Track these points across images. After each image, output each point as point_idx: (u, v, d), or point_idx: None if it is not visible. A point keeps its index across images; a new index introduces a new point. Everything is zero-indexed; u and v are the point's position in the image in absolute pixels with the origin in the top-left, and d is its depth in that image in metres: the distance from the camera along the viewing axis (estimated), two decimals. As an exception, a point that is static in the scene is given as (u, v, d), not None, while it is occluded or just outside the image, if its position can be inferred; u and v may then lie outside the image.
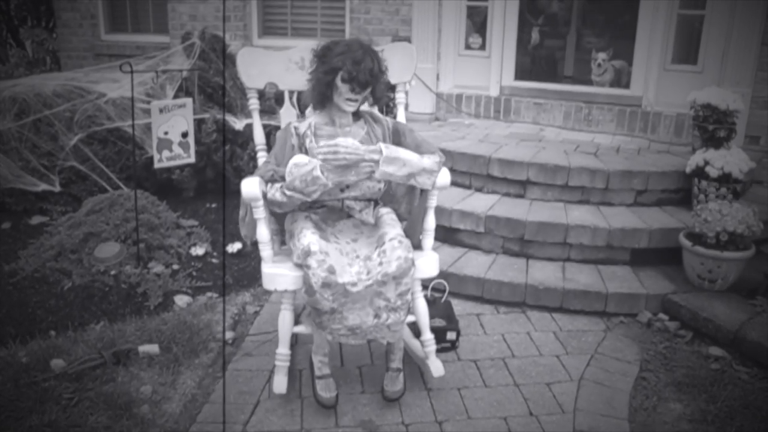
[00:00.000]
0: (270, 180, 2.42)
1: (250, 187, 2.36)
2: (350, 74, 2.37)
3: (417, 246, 2.58)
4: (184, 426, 2.37)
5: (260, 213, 2.42)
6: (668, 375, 2.74)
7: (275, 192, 2.39)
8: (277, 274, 2.43)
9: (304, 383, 2.63)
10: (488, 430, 2.38)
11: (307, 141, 2.48)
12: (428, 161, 2.41)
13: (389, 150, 2.32)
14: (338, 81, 2.41)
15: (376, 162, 2.30)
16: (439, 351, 2.71)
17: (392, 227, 2.44)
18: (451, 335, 2.88)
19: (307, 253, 2.28)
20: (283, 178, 2.39)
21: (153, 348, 2.77)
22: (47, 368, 2.60)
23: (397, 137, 2.57)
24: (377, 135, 2.54)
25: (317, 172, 2.29)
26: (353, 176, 2.35)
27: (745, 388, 2.64)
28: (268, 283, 2.45)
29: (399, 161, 2.32)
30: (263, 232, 2.45)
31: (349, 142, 2.29)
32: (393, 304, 2.32)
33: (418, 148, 2.49)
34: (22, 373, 2.55)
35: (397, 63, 2.72)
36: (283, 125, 2.79)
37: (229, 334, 2.97)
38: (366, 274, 2.31)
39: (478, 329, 3.10)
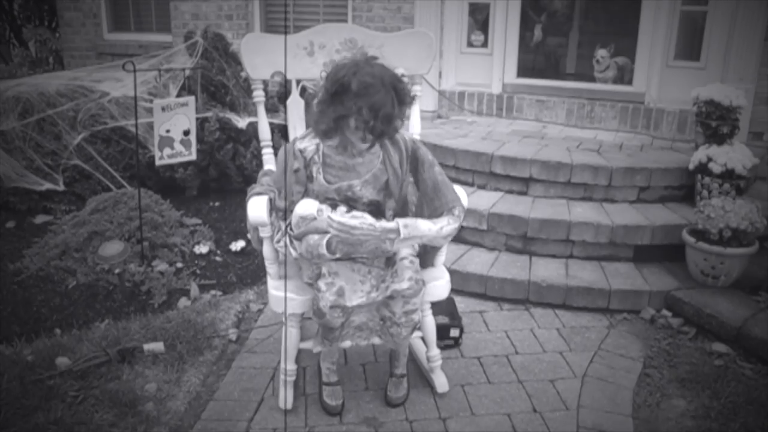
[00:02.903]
0: (271, 206, 2.27)
1: (258, 211, 2.22)
2: (366, 124, 2.13)
3: (430, 263, 2.51)
4: (188, 423, 2.38)
5: (266, 233, 2.31)
6: (672, 371, 2.75)
7: (282, 243, 2.25)
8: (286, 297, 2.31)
9: (308, 381, 2.64)
10: (492, 427, 2.38)
11: (314, 169, 2.28)
12: (448, 229, 2.21)
13: (407, 230, 2.15)
14: (351, 122, 2.16)
15: (392, 240, 2.15)
16: (442, 348, 2.71)
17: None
18: (454, 332, 2.88)
19: (317, 276, 2.21)
20: (282, 212, 2.24)
21: (158, 346, 2.78)
22: (52, 366, 2.61)
23: (414, 165, 2.35)
24: (393, 164, 2.31)
25: (323, 251, 2.14)
26: (363, 250, 2.18)
27: (749, 384, 2.64)
28: (275, 305, 2.34)
29: (416, 239, 2.19)
30: (269, 251, 2.37)
31: (366, 224, 2.13)
32: (397, 320, 2.25)
33: (437, 191, 2.30)
34: (27, 371, 2.56)
35: (413, 53, 2.53)
36: (289, 119, 2.70)
37: (233, 332, 2.98)
38: (375, 291, 2.23)
39: (481, 326, 3.11)
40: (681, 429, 2.39)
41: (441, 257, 2.53)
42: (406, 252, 2.29)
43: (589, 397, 2.55)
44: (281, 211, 2.25)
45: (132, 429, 2.32)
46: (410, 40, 2.60)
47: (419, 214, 2.35)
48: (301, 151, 2.28)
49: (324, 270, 2.20)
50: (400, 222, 2.17)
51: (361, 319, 2.28)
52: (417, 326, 2.37)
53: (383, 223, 2.16)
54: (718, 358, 2.82)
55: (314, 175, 2.27)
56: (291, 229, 2.21)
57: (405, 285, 2.19)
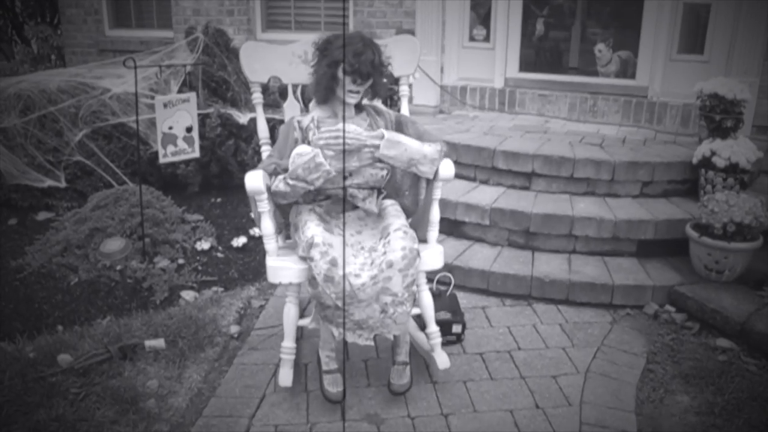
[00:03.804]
0: (273, 173, 2.43)
1: (254, 180, 2.36)
2: (352, 66, 2.38)
3: (422, 239, 2.57)
4: (190, 420, 2.38)
5: (264, 206, 2.42)
6: (675, 367, 2.73)
7: (278, 183, 2.40)
8: (282, 267, 2.43)
9: (309, 377, 2.64)
10: (494, 423, 2.38)
11: (310, 134, 2.49)
12: (429, 148, 2.42)
13: (390, 134, 2.36)
14: (339, 73, 2.42)
15: (378, 147, 2.34)
16: (444, 344, 2.71)
17: (397, 218, 2.45)
18: (456, 328, 2.88)
19: (311, 245, 2.28)
20: (285, 171, 2.39)
21: (159, 342, 2.78)
22: (54, 363, 2.61)
23: (399, 128, 2.57)
24: (380, 127, 2.53)
25: (320, 159, 2.31)
26: (355, 161, 2.38)
27: (753, 379, 2.62)
28: (272, 276, 2.45)
29: (400, 146, 2.36)
30: (267, 226, 2.46)
31: (351, 128, 2.32)
32: (400, 298, 2.30)
33: (421, 138, 2.50)
34: (29, 368, 2.57)
35: (400, 56, 2.72)
36: (287, 120, 2.80)
37: (234, 329, 2.97)
38: (370, 264, 2.30)
39: (483, 322, 3.10)
40: (684, 425, 2.38)
41: (433, 233, 2.60)
42: (399, 223, 2.40)
43: (591, 393, 2.54)
44: (281, 171, 2.42)
45: (133, 426, 2.32)
46: (398, 44, 2.78)
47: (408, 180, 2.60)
48: (298, 122, 2.55)
49: (318, 240, 2.28)
50: (383, 129, 2.41)
51: (361, 315, 2.29)
52: (415, 300, 2.43)
53: (368, 132, 2.38)
54: (722, 354, 2.81)
55: (310, 138, 2.47)
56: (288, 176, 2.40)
57: (399, 255, 2.27)
